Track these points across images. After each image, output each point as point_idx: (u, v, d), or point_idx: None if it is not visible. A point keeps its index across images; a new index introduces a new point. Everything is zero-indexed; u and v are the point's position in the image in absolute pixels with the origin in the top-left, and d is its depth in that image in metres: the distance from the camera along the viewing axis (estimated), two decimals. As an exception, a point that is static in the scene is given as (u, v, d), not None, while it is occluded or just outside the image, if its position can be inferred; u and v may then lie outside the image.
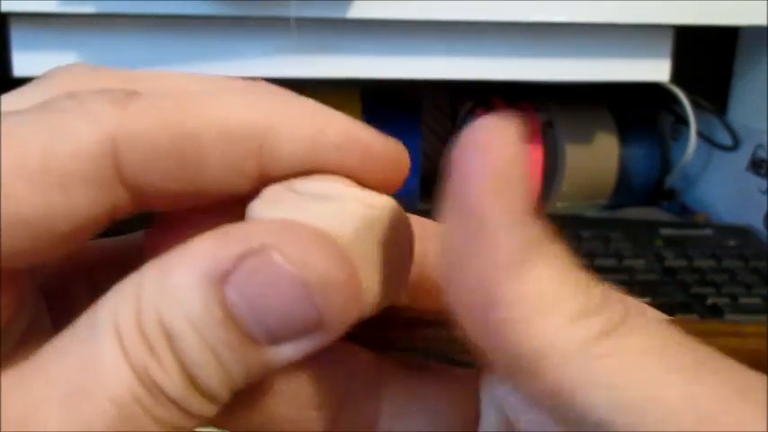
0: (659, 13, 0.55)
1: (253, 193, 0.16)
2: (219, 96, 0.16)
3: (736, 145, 0.66)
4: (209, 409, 0.14)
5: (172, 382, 0.14)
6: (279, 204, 0.16)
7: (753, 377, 0.13)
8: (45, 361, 0.14)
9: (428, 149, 0.68)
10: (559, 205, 0.67)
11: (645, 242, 0.58)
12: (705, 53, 0.67)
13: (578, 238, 0.55)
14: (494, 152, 0.14)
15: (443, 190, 0.14)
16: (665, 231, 0.60)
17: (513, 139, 0.14)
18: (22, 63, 0.53)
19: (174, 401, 0.14)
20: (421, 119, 0.68)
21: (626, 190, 0.69)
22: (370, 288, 0.16)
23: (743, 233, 0.61)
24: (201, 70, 0.54)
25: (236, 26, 0.54)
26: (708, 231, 0.61)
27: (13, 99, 0.16)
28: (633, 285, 0.50)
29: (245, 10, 0.51)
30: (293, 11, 0.50)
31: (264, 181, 0.16)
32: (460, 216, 0.14)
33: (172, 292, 0.13)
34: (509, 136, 0.14)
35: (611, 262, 0.53)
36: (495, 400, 0.17)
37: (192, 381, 0.14)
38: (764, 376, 0.13)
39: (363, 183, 0.16)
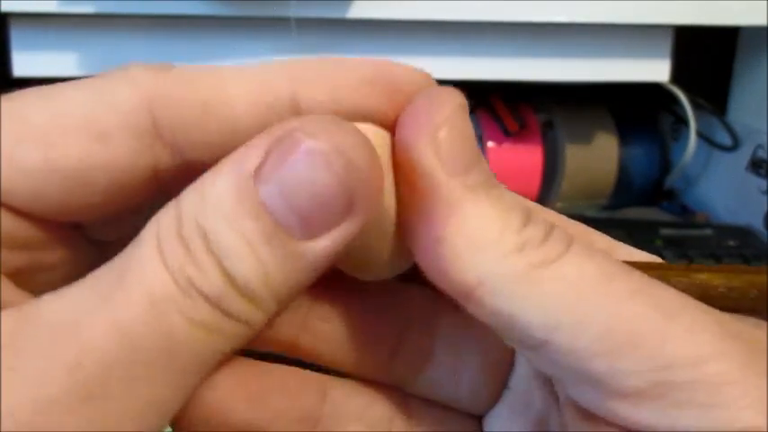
0: (659, 13, 0.55)
1: None
2: (249, 68, 0.16)
3: (736, 145, 0.66)
4: (252, 313, 0.15)
5: (207, 279, 0.14)
6: None
7: (688, 302, 0.15)
8: (87, 279, 0.14)
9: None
10: (559, 205, 0.67)
11: (645, 242, 0.58)
12: (705, 53, 0.67)
13: (578, 238, 0.55)
14: (434, 114, 0.15)
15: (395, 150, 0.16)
16: (665, 231, 0.60)
17: (451, 104, 0.16)
18: (22, 63, 0.53)
19: (209, 299, 0.14)
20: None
21: (626, 190, 0.69)
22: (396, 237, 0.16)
23: (743, 233, 0.61)
24: (201, 70, 0.54)
25: (236, 26, 0.54)
26: (708, 231, 0.61)
27: None
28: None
29: (245, 10, 0.51)
30: (293, 11, 0.50)
31: None
32: (410, 170, 0.15)
33: (208, 198, 0.14)
34: (449, 101, 0.16)
35: (611, 262, 0.53)
36: None
37: (228, 278, 0.14)
38: (698, 302, 0.15)
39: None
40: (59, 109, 0.15)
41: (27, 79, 0.53)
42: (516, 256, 0.15)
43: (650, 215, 0.69)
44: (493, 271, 0.15)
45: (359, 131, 0.15)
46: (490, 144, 0.65)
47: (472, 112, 0.67)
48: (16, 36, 0.52)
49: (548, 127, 0.67)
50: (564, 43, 0.57)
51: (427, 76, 0.17)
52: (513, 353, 0.19)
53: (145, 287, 0.14)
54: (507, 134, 0.65)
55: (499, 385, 0.19)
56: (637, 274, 0.15)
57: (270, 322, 0.16)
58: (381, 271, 0.17)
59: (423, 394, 0.19)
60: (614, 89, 0.63)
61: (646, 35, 0.58)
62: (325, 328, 0.18)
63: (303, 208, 0.14)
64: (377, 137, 0.16)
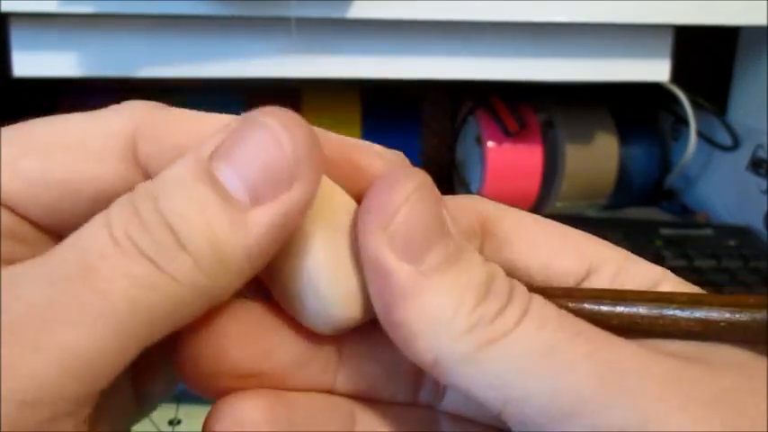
0: (659, 13, 0.55)
1: None
2: (83, 118, 0.18)
3: (736, 145, 0.66)
4: (194, 275, 0.15)
5: (149, 236, 0.15)
6: None
7: (639, 362, 0.15)
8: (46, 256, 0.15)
9: (428, 149, 0.68)
10: (559, 205, 0.67)
11: (645, 242, 0.58)
12: (705, 53, 0.67)
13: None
14: (387, 205, 0.16)
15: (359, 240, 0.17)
16: (665, 231, 0.60)
17: (409, 187, 0.16)
18: (21, 63, 0.53)
19: (148, 256, 0.15)
20: (421, 119, 0.68)
21: (626, 190, 0.69)
22: (355, 293, 0.17)
23: (743, 233, 0.61)
24: (201, 70, 0.55)
25: (236, 26, 0.54)
26: (708, 231, 0.61)
27: None
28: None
29: (245, 10, 0.51)
30: (293, 11, 0.50)
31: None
32: (367, 264, 0.16)
33: (165, 175, 0.15)
34: (407, 184, 0.16)
35: (611, 262, 0.53)
36: None
37: (173, 234, 0.15)
38: (653, 356, 0.15)
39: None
40: (60, 130, 0.17)
41: (27, 79, 0.53)
42: (466, 338, 0.16)
43: (650, 215, 0.69)
44: (445, 353, 0.16)
45: (303, 120, 0.16)
46: (490, 144, 0.65)
47: (472, 112, 0.67)
48: (16, 36, 0.52)
49: (548, 127, 0.67)
50: (564, 43, 0.57)
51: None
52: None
53: (80, 244, 0.15)
54: (507, 134, 0.65)
55: (415, 384, 0.20)
56: (588, 334, 0.16)
57: (306, 375, 0.18)
58: (349, 314, 0.17)
59: (450, 409, 0.20)
60: (614, 89, 0.63)
61: (646, 35, 0.58)
62: (356, 369, 0.19)
63: (251, 177, 0.15)
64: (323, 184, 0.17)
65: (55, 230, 0.17)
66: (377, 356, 0.19)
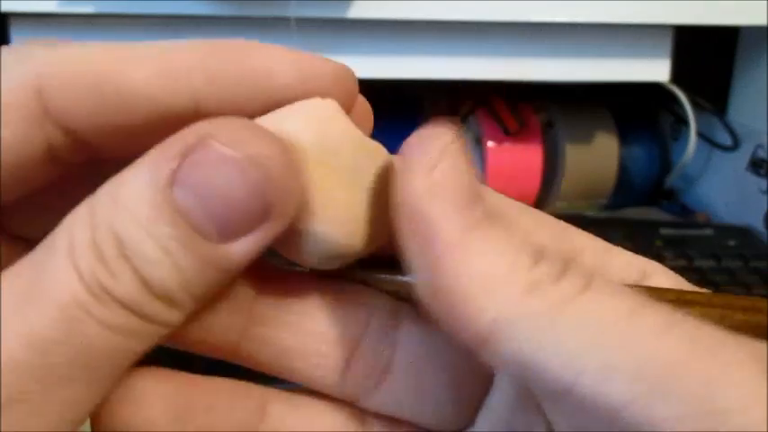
0: (659, 13, 0.55)
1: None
2: (152, 43, 0.16)
3: (736, 145, 0.66)
4: (169, 314, 0.14)
5: (122, 284, 0.14)
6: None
7: (725, 336, 0.13)
8: (4, 279, 0.14)
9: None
10: (559, 205, 0.67)
11: (645, 242, 0.58)
12: (705, 53, 0.67)
13: (578, 238, 0.55)
14: (428, 156, 0.15)
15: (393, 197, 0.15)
16: (665, 231, 0.60)
17: (444, 142, 0.15)
18: None
19: (124, 304, 0.14)
20: (421, 119, 0.68)
21: (626, 190, 0.69)
22: (355, 222, 0.16)
23: (743, 233, 0.61)
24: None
25: (236, 26, 0.54)
26: (708, 231, 0.61)
27: None
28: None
29: (245, 10, 0.51)
30: (293, 11, 0.50)
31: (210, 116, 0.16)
32: (408, 218, 0.15)
33: (122, 203, 0.14)
34: (442, 137, 0.15)
35: (611, 262, 0.53)
36: None
37: (144, 282, 0.14)
38: (731, 334, 0.13)
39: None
40: None
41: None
42: (529, 297, 0.14)
43: (650, 215, 0.69)
44: (504, 316, 0.13)
45: (274, 139, 0.14)
46: (490, 144, 0.65)
47: (472, 112, 0.67)
48: (16, 36, 0.52)
49: (548, 127, 0.67)
50: (564, 43, 0.57)
51: (347, 68, 0.17)
52: (489, 369, 0.17)
53: (56, 295, 0.14)
54: (507, 134, 0.65)
55: (470, 404, 0.18)
56: (665, 306, 0.14)
57: (206, 325, 0.16)
58: (329, 256, 0.16)
59: (380, 409, 0.18)
60: (614, 89, 0.63)
61: (646, 35, 0.58)
62: (268, 333, 0.17)
63: (219, 214, 0.14)
64: (326, 106, 0.16)
65: None
66: (296, 323, 0.17)
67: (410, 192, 0.15)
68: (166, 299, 0.14)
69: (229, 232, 0.14)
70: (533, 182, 0.66)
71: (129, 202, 0.14)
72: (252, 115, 0.16)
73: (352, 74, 0.17)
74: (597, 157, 0.67)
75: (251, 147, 0.14)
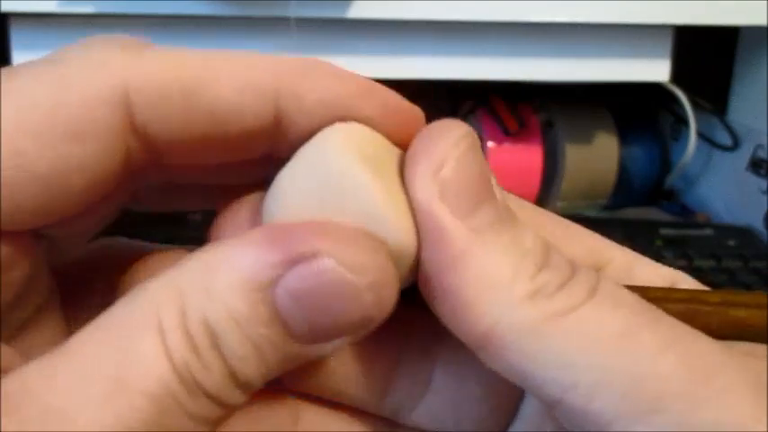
0: (659, 13, 0.55)
1: (275, 155, 0.16)
2: (236, 53, 0.15)
3: (736, 145, 0.66)
4: (242, 398, 0.14)
5: (212, 378, 0.13)
6: (312, 180, 0.15)
7: (724, 358, 0.13)
8: (79, 353, 0.13)
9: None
10: (559, 205, 0.67)
11: (645, 242, 0.58)
12: (705, 53, 0.66)
13: (578, 238, 0.55)
14: (436, 153, 0.14)
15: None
16: (665, 231, 0.60)
17: (455, 138, 0.15)
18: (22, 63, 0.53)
19: (210, 395, 0.14)
20: (421, 119, 0.68)
21: (626, 190, 0.69)
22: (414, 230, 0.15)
23: (743, 233, 0.61)
24: (201, 70, 0.54)
25: (236, 26, 0.54)
26: (708, 231, 0.61)
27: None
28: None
29: (245, 10, 0.51)
30: (293, 11, 0.50)
31: (286, 138, 0.16)
32: (420, 217, 0.14)
33: (218, 295, 0.13)
34: (453, 134, 0.15)
35: (611, 262, 0.53)
36: None
37: (232, 375, 0.14)
38: (734, 356, 0.13)
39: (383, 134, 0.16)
40: (23, 104, 0.13)
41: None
42: (528, 305, 0.13)
43: (650, 215, 0.69)
44: (502, 322, 0.14)
45: (388, 259, 0.14)
46: (490, 144, 0.65)
47: (472, 112, 0.67)
48: (16, 36, 0.52)
49: (548, 127, 0.66)
50: (564, 43, 0.57)
51: (417, 109, 0.16)
52: (514, 392, 0.18)
53: (148, 385, 0.13)
54: (507, 134, 0.65)
55: (506, 416, 0.18)
56: (667, 322, 0.14)
57: None
58: (411, 269, 0.16)
59: (417, 424, 0.18)
60: (614, 89, 0.63)
61: (646, 35, 0.58)
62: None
63: (318, 324, 0.14)
64: (363, 132, 0.16)
65: (28, 241, 0.15)
66: (345, 351, 0.17)
67: (418, 191, 0.14)
68: (246, 387, 0.14)
69: (324, 338, 0.14)
70: (533, 182, 0.66)
71: (224, 296, 0.13)
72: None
73: (422, 116, 0.17)
74: (597, 157, 0.67)
75: (371, 274, 0.14)
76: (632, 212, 0.69)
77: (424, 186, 0.14)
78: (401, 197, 0.15)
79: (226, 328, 0.13)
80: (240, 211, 0.16)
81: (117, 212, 0.17)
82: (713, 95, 0.67)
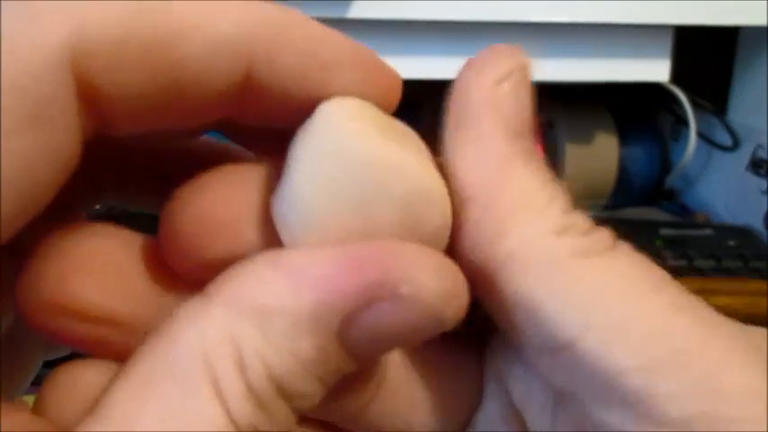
0: (659, 13, 0.55)
1: (241, 116, 0.14)
2: (203, 1, 0.13)
3: (736, 145, 0.66)
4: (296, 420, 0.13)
5: (276, 420, 0.12)
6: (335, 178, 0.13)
7: (739, 328, 0.13)
8: (121, 419, 0.12)
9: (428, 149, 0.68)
10: (559, 205, 0.67)
11: (645, 242, 0.58)
12: (705, 53, 0.66)
13: (578, 238, 0.55)
14: (501, 68, 0.14)
15: (447, 105, 0.15)
16: (665, 231, 0.60)
17: (520, 64, 0.14)
18: None
19: None
20: (421, 119, 0.68)
21: (626, 190, 0.69)
22: None
23: (743, 233, 0.61)
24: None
25: (236, 26, 0.54)
26: (708, 231, 0.61)
27: None
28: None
29: (245, 10, 0.51)
30: (293, 11, 0.50)
31: (251, 102, 0.14)
32: (459, 123, 0.14)
33: (280, 342, 0.12)
34: (518, 60, 0.14)
35: (611, 262, 0.53)
36: (499, 376, 0.16)
37: (295, 411, 0.13)
38: (738, 323, 0.13)
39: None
40: None
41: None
42: (557, 237, 0.13)
43: (650, 215, 0.69)
44: (529, 245, 0.13)
45: (464, 284, 0.13)
46: (490, 144, 0.65)
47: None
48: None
49: (548, 127, 0.66)
50: (564, 43, 0.57)
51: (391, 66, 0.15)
52: (480, 391, 0.17)
53: (190, 416, 0.11)
54: (507, 134, 0.65)
55: (460, 426, 0.17)
56: (685, 290, 0.13)
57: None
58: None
59: (366, 428, 0.17)
60: (614, 89, 0.63)
61: (646, 35, 0.58)
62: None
63: (383, 348, 0.13)
64: (363, 107, 0.15)
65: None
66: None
67: (474, 91, 0.14)
68: (302, 411, 0.13)
69: (375, 358, 0.13)
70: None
71: (288, 341, 0.12)
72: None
73: (400, 80, 0.16)
74: (597, 157, 0.67)
75: (456, 302, 0.13)
76: (632, 212, 0.69)
77: (480, 91, 0.14)
78: (430, 164, 0.14)
79: (293, 376, 0.12)
80: (228, 207, 0.14)
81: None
82: (713, 95, 0.67)
